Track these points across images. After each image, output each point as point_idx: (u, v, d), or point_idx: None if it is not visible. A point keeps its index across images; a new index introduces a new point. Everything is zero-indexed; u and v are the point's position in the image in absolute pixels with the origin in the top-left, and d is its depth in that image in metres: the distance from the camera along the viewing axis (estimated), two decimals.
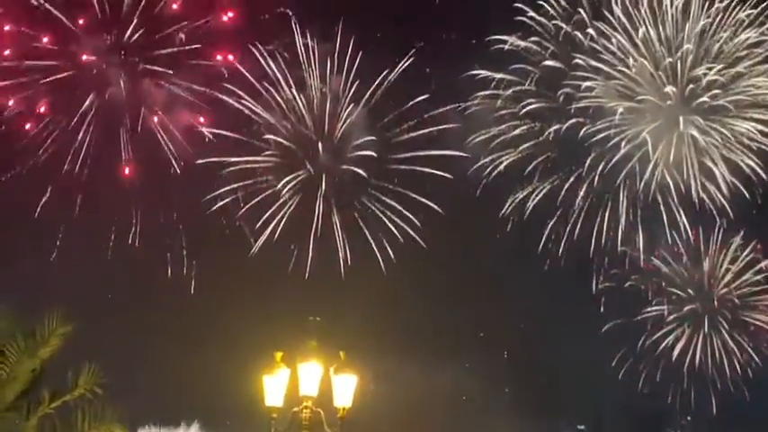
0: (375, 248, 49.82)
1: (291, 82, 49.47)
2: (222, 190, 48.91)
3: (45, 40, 49.08)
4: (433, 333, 49.35)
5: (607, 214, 51.52)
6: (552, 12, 50.73)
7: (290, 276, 48.96)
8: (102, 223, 47.79)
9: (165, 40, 49.07)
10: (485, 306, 50.37)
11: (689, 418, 54.29)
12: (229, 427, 47.90)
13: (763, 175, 50.31)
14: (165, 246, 48.78)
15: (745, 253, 52.39)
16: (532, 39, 51.03)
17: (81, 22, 49.16)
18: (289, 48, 49.17)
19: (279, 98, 49.44)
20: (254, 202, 49.36)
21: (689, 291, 53.06)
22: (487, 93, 51.33)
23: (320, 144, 50.09)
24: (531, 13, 50.70)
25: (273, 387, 19.45)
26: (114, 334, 42.67)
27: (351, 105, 49.66)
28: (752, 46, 50.55)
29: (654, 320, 52.90)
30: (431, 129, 50.18)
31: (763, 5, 49.96)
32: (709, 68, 50.22)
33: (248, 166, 49.37)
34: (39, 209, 46.98)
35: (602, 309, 52.62)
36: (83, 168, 48.18)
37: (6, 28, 48.60)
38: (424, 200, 49.74)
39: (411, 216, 49.64)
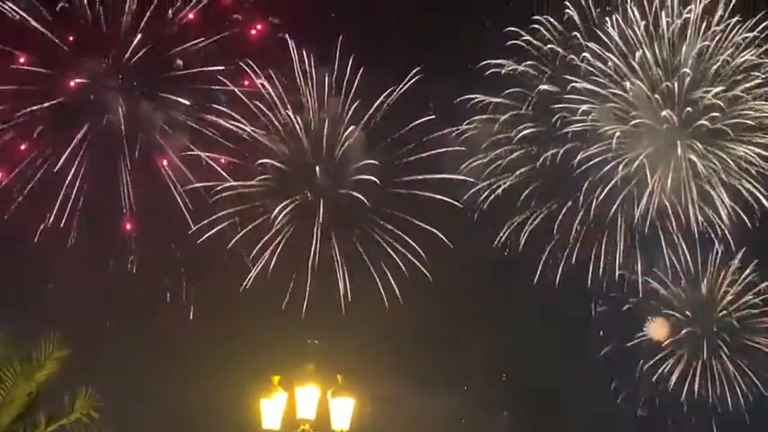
0: (377, 277, 49.34)
1: (288, 103, 49.13)
2: (218, 215, 48.44)
3: (22, 60, 44.91)
4: (432, 356, 49.13)
5: (605, 239, 51.47)
6: (548, 35, 50.92)
7: (285, 312, 48.28)
8: (100, 248, 47.37)
9: (172, 60, 47.74)
10: (483, 330, 50.29)
11: None
12: None
13: (763, 200, 50.34)
14: (164, 271, 48.41)
15: (743, 275, 52.35)
16: (528, 63, 51.17)
17: (71, 38, 45.92)
18: (286, 68, 48.78)
19: (275, 120, 49.19)
20: (249, 228, 48.88)
21: (686, 313, 52.98)
22: (483, 117, 51.41)
23: (317, 168, 49.84)
24: (527, 37, 50.88)
25: (271, 410, 19.51)
26: (111, 358, 42.62)
27: (350, 128, 49.51)
28: (750, 69, 50.61)
29: (651, 344, 52.89)
30: (429, 152, 50.14)
31: (761, 27, 50.22)
32: (707, 91, 50.28)
33: (243, 190, 48.88)
34: (38, 235, 46.45)
35: (601, 333, 52.73)
36: (75, 206, 46.86)
37: None
38: (426, 226, 49.43)
39: (413, 243, 49.33)
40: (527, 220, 51.41)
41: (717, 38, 50.32)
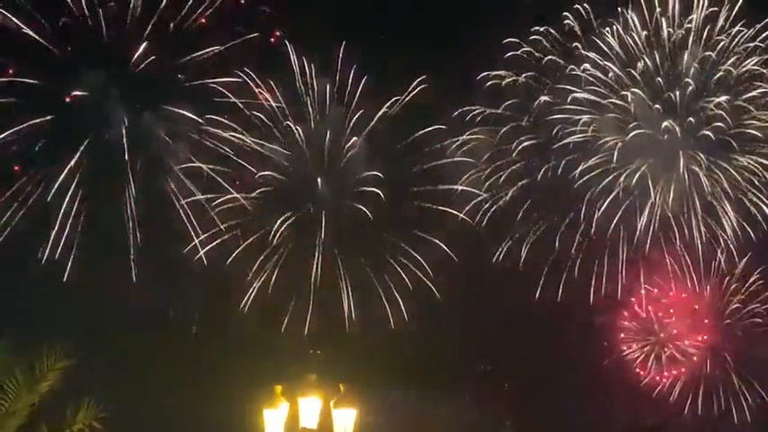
0: (381, 292, 49.11)
1: (289, 113, 48.96)
2: (218, 228, 48.17)
3: (10, 71, 42.82)
4: (435, 365, 49.04)
5: (606, 251, 51.33)
6: (548, 46, 50.88)
7: (285, 335, 47.93)
8: (103, 260, 47.09)
9: (173, 72, 46.87)
10: (486, 338, 50.23)
11: None
12: None
13: (766, 210, 50.23)
14: (167, 282, 48.05)
15: (747, 284, 52.26)
16: (529, 74, 51.14)
17: (69, 48, 44.32)
18: (287, 79, 48.68)
19: (276, 131, 49.00)
20: (250, 240, 48.65)
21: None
22: (484, 128, 51.34)
23: (319, 179, 49.67)
24: (527, 48, 50.85)
25: (273, 421, 19.56)
26: (113, 369, 42.57)
27: (353, 138, 49.40)
28: (753, 78, 50.57)
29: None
30: (433, 163, 50.07)
31: (763, 36, 50.19)
32: (710, 101, 50.24)
33: (243, 203, 48.62)
34: (41, 252, 46.07)
35: (605, 343, 52.68)
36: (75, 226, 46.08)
37: None
38: (431, 238, 49.28)
39: (417, 255, 49.15)
40: (528, 232, 51.29)
41: (719, 47, 50.34)
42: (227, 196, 48.07)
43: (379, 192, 49.09)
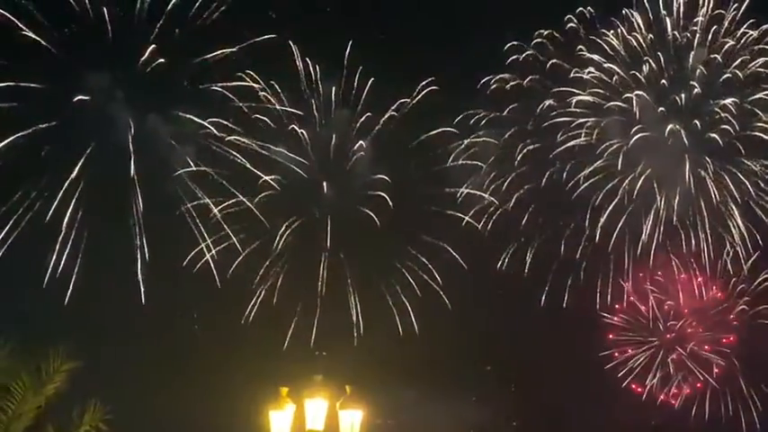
0: (388, 297, 48.99)
1: (293, 115, 48.85)
2: (224, 232, 48.02)
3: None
4: (441, 367, 49.00)
5: (611, 255, 51.28)
6: (552, 49, 50.81)
7: (288, 350, 47.87)
8: (109, 265, 46.98)
9: (179, 76, 46.59)
10: (493, 341, 50.24)
11: None
12: None
13: None
14: (173, 289, 47.88)
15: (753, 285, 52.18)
16: (533, 77, 51.07)
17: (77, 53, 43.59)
18: (292, 82, 48.55)
19: (281, 134, 48.84)
20: (255, 245, 48.52)
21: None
22: (489, 131, 51.31)
23: (324, 183, 49.54)
24: (531, 51, 50.77)
25: (280, 422, 19.51)
26: (120, 372, 42.63)
27: (358, 142, 49.30)
28: (760, 81, 50.41)
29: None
30: (439, 167, 50.00)
31: None
32: (715, 103, 50.10)
33: (245, 207, 48.40)
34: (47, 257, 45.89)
35: (609, 346, 52.64)
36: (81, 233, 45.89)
37: None
38: (439, 242, 49.19)
39: (423, 259, 49.07)
40: (533, 237, 51.22)
41: (725, 48, 50.18)
42: (233, 200, 47.92)
43: (385, 195, 49.12)
